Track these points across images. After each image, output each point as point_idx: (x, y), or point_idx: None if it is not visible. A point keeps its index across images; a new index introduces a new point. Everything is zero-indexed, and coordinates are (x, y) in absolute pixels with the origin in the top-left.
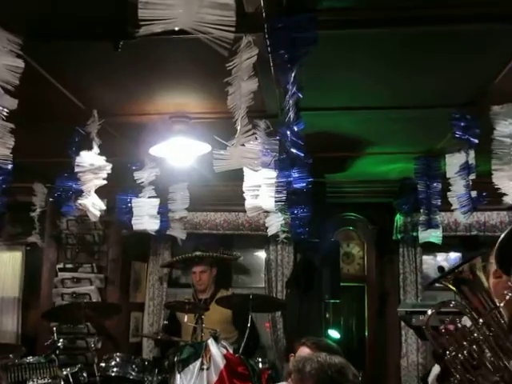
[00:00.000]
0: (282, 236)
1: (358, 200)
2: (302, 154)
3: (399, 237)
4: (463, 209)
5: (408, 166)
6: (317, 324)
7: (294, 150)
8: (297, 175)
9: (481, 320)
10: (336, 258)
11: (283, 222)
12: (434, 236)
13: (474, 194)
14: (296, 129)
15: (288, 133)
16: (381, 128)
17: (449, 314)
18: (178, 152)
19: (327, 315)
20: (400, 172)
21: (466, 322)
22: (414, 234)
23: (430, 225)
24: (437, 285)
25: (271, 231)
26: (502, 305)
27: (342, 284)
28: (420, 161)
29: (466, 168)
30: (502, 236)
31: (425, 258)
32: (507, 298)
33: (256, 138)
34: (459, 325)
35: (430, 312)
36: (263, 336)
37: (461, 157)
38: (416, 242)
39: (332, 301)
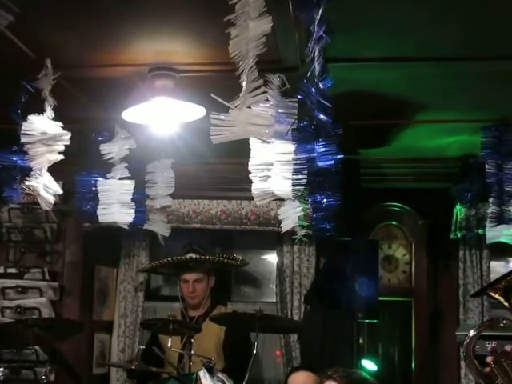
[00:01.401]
0: (301, 233)
1: (403, 185)
2: (330, 121)
3: (459, 235)
4: None
5: (473, 140)
6: (347, 352)
7: (319, 116)
8: (322, 150)
9: None
10: (373, 264)
11: (302, 213)
12: (507, 235)
13: None
14: (322, 86)
15: (312, 92)
16: (438, 86)
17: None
18: (161, 117)
19: (360, 340)
20: (462, 148)
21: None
22: (480, 231)
23: (501, 219)
24: None
25: (286, 226)
26: None
27: (380, 299)
28: (489, 132)
29: None
30: None
31: (493, 264)
32: None
33: (268, 99)
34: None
35: (472, 333)
36: (273, 369)
37: None
38: (482, 243)
39: (367, 321)
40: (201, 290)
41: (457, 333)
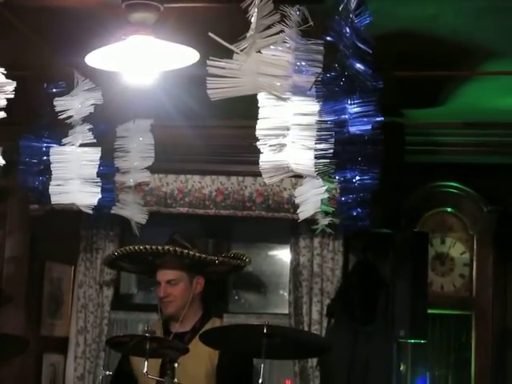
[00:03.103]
0: (324, 222)
1: (463, 159)
2: (369, 72)
3: None
4: None
5: None
6: (384, 381)
7: (353, 64)
8: (356, 110)
9: None
10: (421, 265)
11: (327, 196)
12: None
13: None
14: (359, 24)
15: (345, 31)
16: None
17: None
18: (138, 63)
19: (402, 366)
20: None
21: None
22: None
23: None
24: None
25: (304, 213)
26: None
27: (429, 311)
28: None
29: None
30: None
31: None
32: None
33: (285, 41)
34: None
35: None
36: None
37: None
38: None
39: (412, 341)
40: (177, 295)
41: None
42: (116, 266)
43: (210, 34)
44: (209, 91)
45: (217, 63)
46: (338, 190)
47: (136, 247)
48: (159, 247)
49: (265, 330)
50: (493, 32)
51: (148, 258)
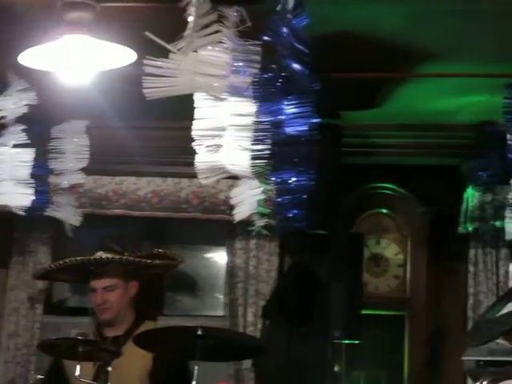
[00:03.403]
0: (260, 224)
1: (398, 161)
2: (306, 72)
3: (470, 229)
4: None
5: (493, 101)
6: (318, 382)
7: (291, 65)
8: (293, 111)
9: None
10: (356, 266)
11: (263, 197)
12: None
13: None
14: (297, 25)
15: (282, 31)
16: (449, 29)
17: None
18: (73, 63)
19: (337, 367)
20: (477, 112)
21: None
22: (497, 223)
23: None
24: None
25: (240, 214)
26: None
27: (364, 312)
28: None
29: None
30: None
31: None
32: None
33: (222, 41)
34: None
35: None
36: None
37: None
38: (500, 240)
39: (346, 341)
40: (114, 302)
41: (463, 358)
42: (49, 277)
43: (147, 33)
44: (145, 90)
45: (154, 62)
46: (274, 192)
47: (78, 258)
48: (103, 256)
49: (199, 332)
50: (429, 35)
51: (87, 268)
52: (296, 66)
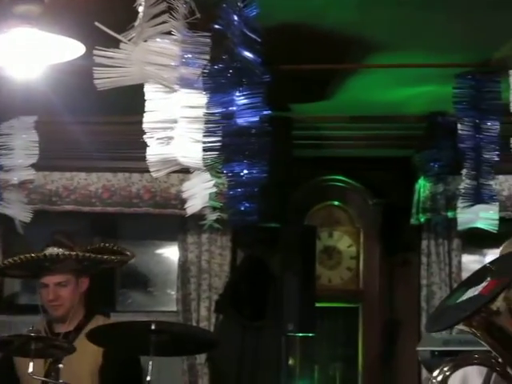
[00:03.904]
0: (212, 217)
1: (349, 153)
2: (259, 61)
3: (422, 220)
4: None
5: (442, 91)
6: (272, 376)
7: (242, 54)
8: (244, 102)
9: None
10: (309, 259)
11: (215, 190)
12: (485, 218)
13: None
14: (248, 13)
15: (234, 20)
16: (399, 18)
17: None
18: (21, 56)
19: (291, 360)
20: (428, 102)
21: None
22: (449, 214)
23: (477, 198)
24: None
25: (192, 208)
26: None
27: (318, 305)
28: (464, 81)
29: None
30: None
31: (467, 258)
32: None
33: (172, 33)
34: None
35: (437, 377)
36: None
37: None
38: (452, 230)
39: (300, 334)
40: (66, 297)
41: (418, 348)
42: (1, 273)
43: (97, 23)
44: (96, 81)
45: (104, 53)
46: (227, 185)
47: (33, 255)
48: (58, 253)
49: (153, 327)
50: (378, 25)
51: (40, 264)
52: (248, 54)
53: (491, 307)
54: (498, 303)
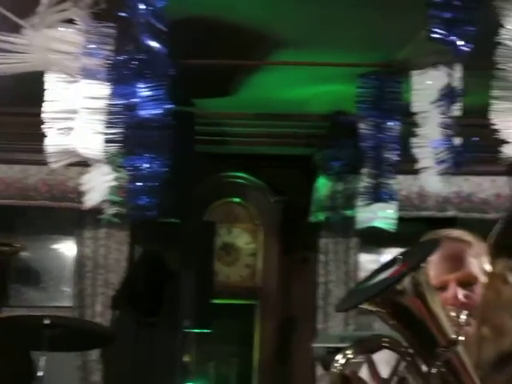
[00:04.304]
0: (110, 212)
1: (251, 150)
2: (164, 51)
3: (321, 218)
4: (439, 167)
5: (345, 91)
6: (167, 373)
7: (147, 41)
8: (147, 94)
9: (432, 368)
10: (207, 255)
11: (114, 184)
12: (384, 217)
13: (457, 141)
14: (154, 4)
15: (140, 7)
16: (304, 15)
17: None
18: None
19: (187, 357)
20: (330, 101)
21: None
22: (348, 212)
23: (376, 196)
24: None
25: (90, 201)
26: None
27: (215, 301)
28: (368, 81)
29: (447, 96)
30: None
31: (365, 257)
32: (461, 320)
33: (75, 22)
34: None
35: (339, 361)
36: None
37: (438, 76)
38: (350, 229)
39: (197, 331)
40: None
41: (313, 345)
42: None
43: None
44: None
45: (5, 38)
46: (127, 179)
47: None
48: None
49: (46, 321)
50: (284, 22)
51: None
52: (153, 44)
53: (397, 288)
54: (405, 285)
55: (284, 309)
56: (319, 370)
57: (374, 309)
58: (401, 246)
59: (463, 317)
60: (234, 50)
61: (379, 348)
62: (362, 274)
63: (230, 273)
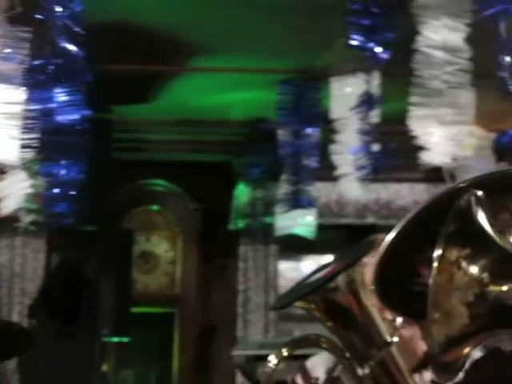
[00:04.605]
0: (27, 220)
1: (169, 157)
2: (81, 55)
3: (241, 225)
4: (358, 173)
5: (264, 98)
6: (85, 381)
7: (65, 44)
8: (64, 99)
9: (364, 368)
10: (126, 263)
11: (31, 191)
12: (303, 225)
13: (376, 147)
14: (71, 8)
15: (57, 10)
16: (221, 21)
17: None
18: None
19: (105, 366)
20: (249, 108)
21: (316, 368)
22: (268, 219)
23: (295, 203)
24: (297, 312)
25: (6, 209)
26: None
27: (134, 310)
28: (287, 88)
29: (365, 102)
30: (384, 249)
31: (284, 264)
32: (396, 323)
33: None
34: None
35: (272, 361)
36: None
37: (357, 83)
38: (269, 236)
39: (116, 339)
40: None
41: (233, 353)
42: None
43: None
44: None
45: None
46: (45, 185)
47: None
48: None
49: None
50: (203, 28)
51: None
52: (70, 46)
53: (331, 285)
54: (339, 282)
55: (204, 316)
56: (239, 378)
57: (308, 307)
58: (320, 253)
59: (399, 320)
60: (152, 56)
61: (314, 346)
62: (282, 281)
63: (149, 281)
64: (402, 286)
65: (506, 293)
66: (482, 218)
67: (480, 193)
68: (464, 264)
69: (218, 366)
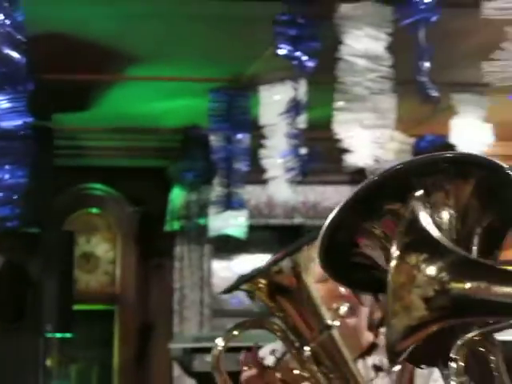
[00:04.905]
0: None
1: (108, 162)
2: (24, 61)
3: (176, 226)
4: (287, 176)
5: (197, 105)
6: (30, 377)
7: (6, 52)
8: (6, 106)
9: (306, 349)
10: (68, 263)
11: None
12: (235, 225)
13: (303, 151)
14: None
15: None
16: (155, 31)
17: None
18: None
19: (49, 361)
20: (183, 115)
21: (267, 356)
22: (202, 221)
23: (227, 204)
24: (230, 308)
25: None
26: (335, 323)
27: (76, 308)
28: (218, 96)
29: (292, 109)
30: (328, 222)
31: (217, 263)
32: (341, 311)
33: None
34: (269, 358)
35: (219, 343)
36: None
37: (284, 90)
38: (204, 236)
39: (58, 335)
40: None
41: (171, 346)
42: None
43: None
44: None
45: None
46: None
47: None
48: None
49: None
50: (136, 37)
51: None
52: (13, 53)
53: (275, 269)
54: (283, 266)
55: (142, 313)
56: (176, 371)
57: (254, 289)
58: (252, 253)
59: (344, 308)
60: (90, 66)
61: (259, 328)
62: (216, 280)
63: (90, 280)
64: (344, 257)
65: (468, 290)
66: (428, 223)
67: (419, 192)
68: (423, 266)
69: (157, 359)
